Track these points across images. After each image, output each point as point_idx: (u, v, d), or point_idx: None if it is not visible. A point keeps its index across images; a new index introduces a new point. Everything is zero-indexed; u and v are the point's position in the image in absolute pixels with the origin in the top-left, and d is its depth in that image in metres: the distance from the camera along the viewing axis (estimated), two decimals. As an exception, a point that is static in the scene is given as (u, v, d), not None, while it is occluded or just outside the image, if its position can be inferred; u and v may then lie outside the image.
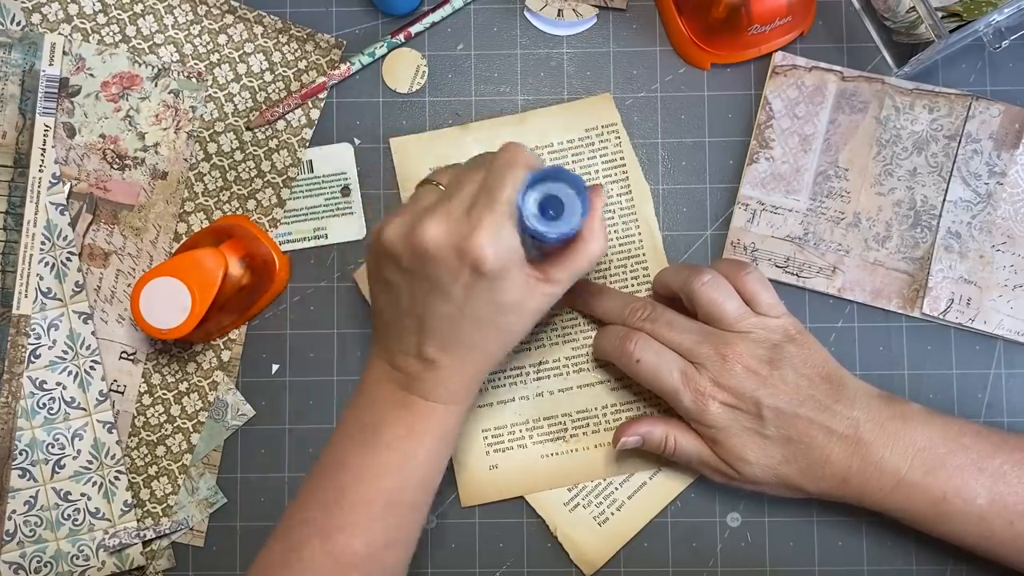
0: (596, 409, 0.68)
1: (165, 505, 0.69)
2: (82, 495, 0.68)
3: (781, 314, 0.63)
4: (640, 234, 0.69)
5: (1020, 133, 0.67)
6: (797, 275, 0.68)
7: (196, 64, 0.70)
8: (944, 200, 0.68)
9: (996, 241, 0.67)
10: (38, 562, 0.68)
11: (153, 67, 0.70)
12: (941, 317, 0.68)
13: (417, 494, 0.60)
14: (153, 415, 0.69)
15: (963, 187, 0.68)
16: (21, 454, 0.68)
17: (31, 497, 0.68)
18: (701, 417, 0.61)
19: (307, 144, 0.70)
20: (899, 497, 0.60)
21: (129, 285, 0.69)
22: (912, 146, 0.68)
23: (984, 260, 0.67)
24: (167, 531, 0.68)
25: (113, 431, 0.68)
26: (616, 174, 0.69)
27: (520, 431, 0.68)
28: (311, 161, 0.70)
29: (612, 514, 0.68)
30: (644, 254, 0.69)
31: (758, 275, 0.63)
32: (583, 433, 0.68)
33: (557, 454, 0.68)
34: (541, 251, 0.59)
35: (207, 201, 0.70)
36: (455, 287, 0.56)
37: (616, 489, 0.68)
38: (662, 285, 0.66)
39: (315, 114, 0.70)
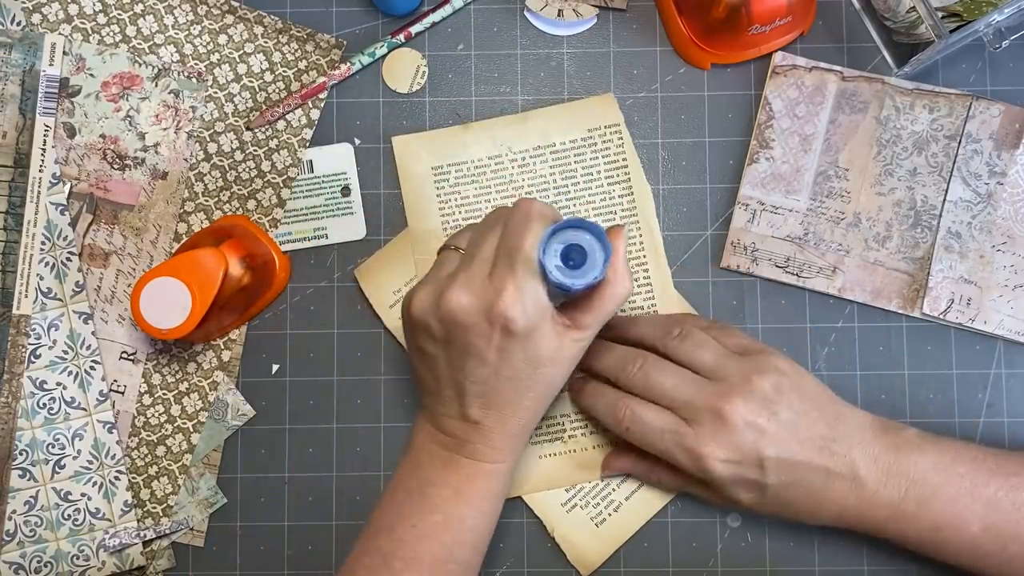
0: None
1: (165, 505, 0.69)
2: (82, 495, 0.68)
3: (762, 349, 0.62)
4: (640, 235, 0.69)
5: (1020, 133, 0.67)
6: (797, 275, 0.68)
7: (196, 64, 0.70)
8: (944, 200, 0.68)
9: (996, 241, 0.67)
10: (38, 562, 0.68)
11: (153, 67, 0.70)
12: (941, 317, 0.68)
13: (467, 554, 0.59)
14: (153, 415, 0.69)
15: (963, 187, 0.68)
16: (21, 454, 0.68)
17: (31, 497, 0.68)
18: (702, 474, 0.61)
19: (307, 144, 0.70)
20: (893, 528, 0.61)
21: (129, 285, 0.69)
22: (912, 146, 0.68)
23: (984, 260, 0.67)
24: (167, 531, 0.68)
25: (113, 431, 0.68)
26: (618, 175, 0.69)
27: None
28: (311, 161, 0.70)
29: (609, 515, 0.68)
30: (644, 255, 0.69)
31: (723, 326, 0.64)
32: (581, 434, 0.68)
33: (555, 455, 0.68)
34: (569, 297, 0.59)
35: (207, 201, 0.70)
36: (489, 351, 0.56)
37: (613, 490, 0.68)
38: (639, 340, 0.65)
39: (315, 114, 0.70)
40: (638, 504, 0.68)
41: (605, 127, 0.69)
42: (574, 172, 0.69)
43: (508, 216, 0.57)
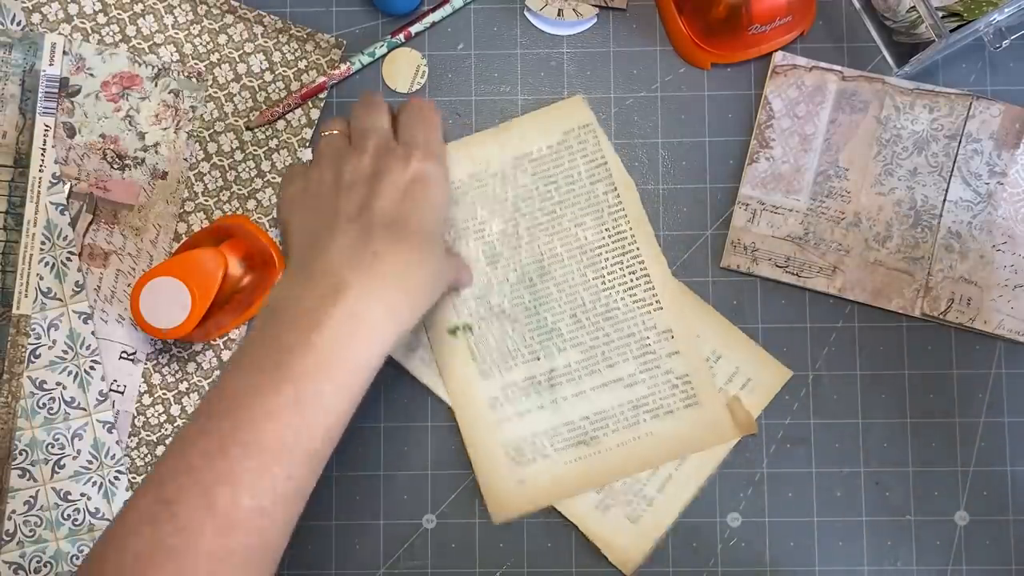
0: (613, 408, 0.68)
1: (165, 505, 0.68)
2: (82, 495, 0.68)
3: None
4: (631, 229, 0.69)
5: (1020, 133, 0.67)
6: (797, 275, 0.68)
7: (196, 64, 0.70)
8: (944, 200, 0.68)
9: (996, 241, 0.67)
10: (38, 562, 0.68)
11: (153, 67, 0.70)
12: (941, 317, 0.68)
13: (318, 442, 0.53)
14: (153, 415, 0.69)
15: (963, 187, 0.68)
16: (21, 454, 0.68)
17: (31, 497, 0.68)
18: None
19: (307, 144, 0.70)
20: None
21: (129, 285, 0.69)
22: (912, 146, 0.68)
23: (984, 260, 0.67)
24: (167, 531, 0.68)
25: (113, 431, 0.68)
26: (599, 173, 0.69)
27: (541, 441, 0.68)
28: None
29: (644, 510, 0.67)
30: (638, 248, 0.69)
31: None
32: (603, 434, 0.68)
33: (581, 458, 0.68)
34: None
35: (207, 201, 0.70)
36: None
37: (644, 485, 0.68)
38: None
39: (315, 114, 0.70)
40: (671, 494, 0.67)
41: (578, 128, 0.69)
42: (555, 177, 0.69)
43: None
